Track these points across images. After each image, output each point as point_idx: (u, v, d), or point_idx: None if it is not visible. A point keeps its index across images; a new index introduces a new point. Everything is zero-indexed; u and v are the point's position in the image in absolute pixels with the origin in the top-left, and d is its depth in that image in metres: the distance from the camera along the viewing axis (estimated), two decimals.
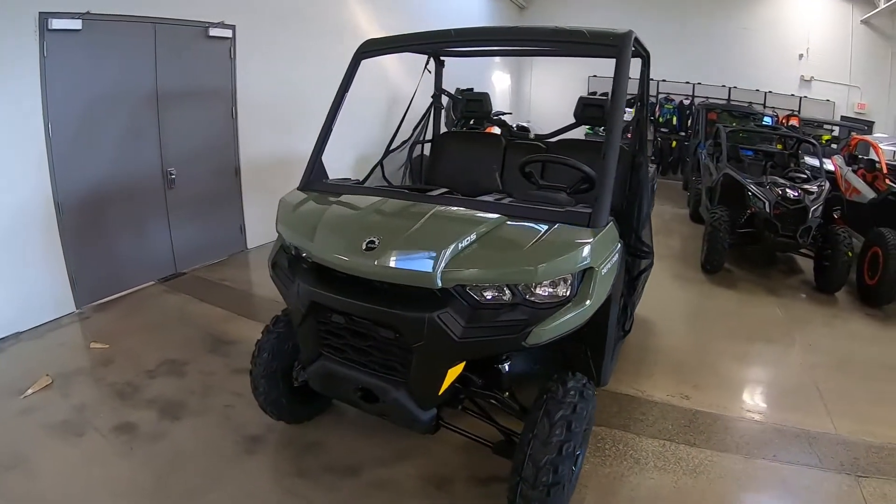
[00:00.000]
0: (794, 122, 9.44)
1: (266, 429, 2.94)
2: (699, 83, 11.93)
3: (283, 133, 6.05)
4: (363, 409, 2.32)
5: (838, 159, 6.73)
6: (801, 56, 11.12)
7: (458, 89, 8.51)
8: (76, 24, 3.63)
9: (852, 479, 2.84)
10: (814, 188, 5.61)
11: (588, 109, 3.52)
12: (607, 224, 2.22)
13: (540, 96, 14.32)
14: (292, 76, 5.99)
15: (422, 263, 2.00)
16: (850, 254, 5.22)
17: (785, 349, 4.45)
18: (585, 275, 2.09)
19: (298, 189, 2.83)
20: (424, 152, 4.13)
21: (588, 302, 2.07)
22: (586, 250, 2.05)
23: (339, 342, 2.25)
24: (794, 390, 3.76)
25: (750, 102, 10.81)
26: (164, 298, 4.57)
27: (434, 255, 2.00)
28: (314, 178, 2.87)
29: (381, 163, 3.66)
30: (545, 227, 2.15)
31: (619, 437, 3.07)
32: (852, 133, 8.34)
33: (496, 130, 7.79)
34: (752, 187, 5.73)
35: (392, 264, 2.02)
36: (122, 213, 4.40)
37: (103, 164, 4.18)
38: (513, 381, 2.48)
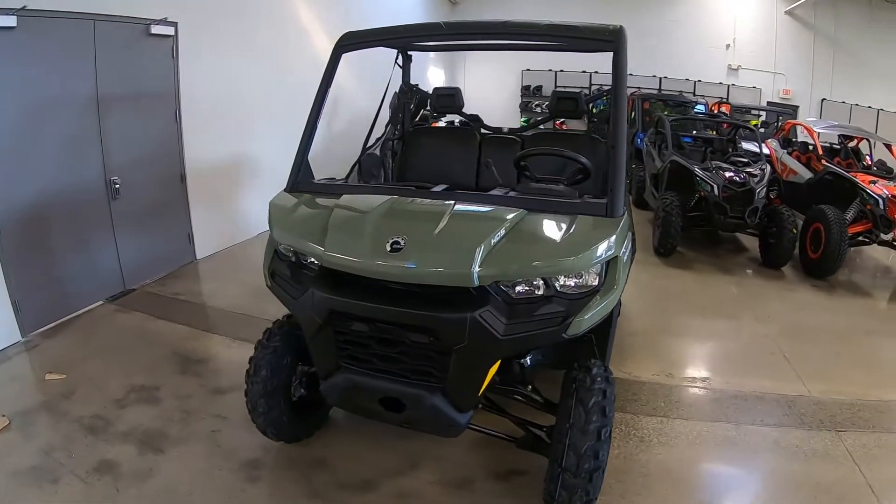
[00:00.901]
0: (725, 108, 10.02)
1: (262, 451, 2.75)
2: (631, 74, 12.34)
3: (229, 135, 5.76)
4: (385, 420, 2.21)
5: (773, 143, 7.20)
6: (728, 46, 11.83)
7: (401, 85, 8.38)
8: (11, 20, 3.23)
9: (833, 434, 3.10)
10: (756, 171, 5.97)
11: (562, 102, 3.60)
12: (623, 213, 2.24)
13: (474, 90, 14.37)
14: (237, 75, 5.69)
15: (457, 262, 1.95)
16: (794, 231, 5.59)
17: (747, 322, 4.71)
18: (610, 263, 2.10)
19: (286, 191, 2.65)
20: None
21: (616, 289, 2.10)
22: (613, 239, 2.07)
23: (362, 352, 2.12)
24: (764, 359, 4.00)
25: (680, 91, 11.38)
26: (117, 318, 4.19)
27: (469, 252, 1.95)
28: (301, 178, 2.70)
29: (359, 162, 3.53)
30: (568, 219, 2.15)
31: (619, 419, 3.12)
32: (780, 118, 8.98)
33: (441, 124, 7.76)
34: (700, 173, 6.01)
35: (425, 265, 1.96)
36: (65, 229, 3.98)
37: (43, 176, 3.76)
38: (533, 374, 2.46)
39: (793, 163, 6.51)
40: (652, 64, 11.44)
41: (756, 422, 3.20)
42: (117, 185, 4.33)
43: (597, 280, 2.06)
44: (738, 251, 6.72)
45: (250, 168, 6.17)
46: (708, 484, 2.73)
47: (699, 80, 11.73)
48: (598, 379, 2.15)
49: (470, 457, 2.76)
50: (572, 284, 2.05)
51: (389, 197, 2.35)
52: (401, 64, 4.03)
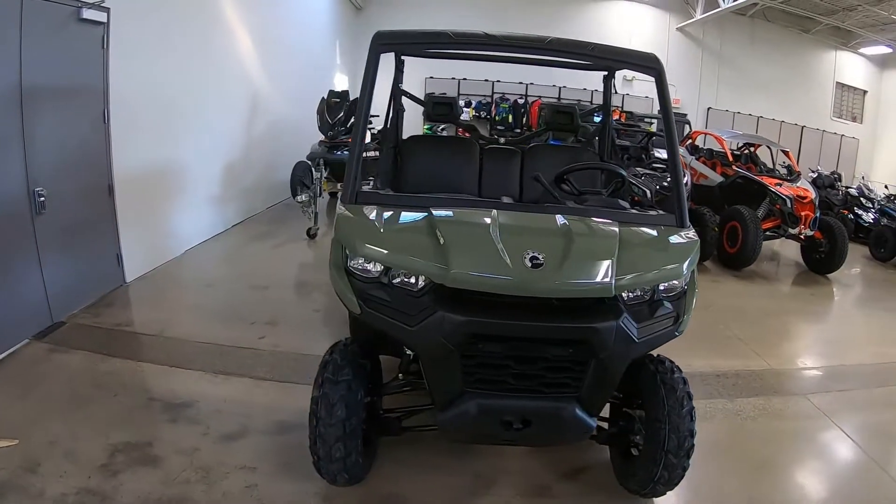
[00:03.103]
0: (621, 117, 10.95)
1: (322, 500, 2.42)
2: (532, 83, 13.07)
3: (159, 141, 5.07)
4: (501, 441, 2.24)
5: (681, 150, 8.02)
6: None
7: (331, 91, 8.02)
8: None
9: (802, 397, 3.70)
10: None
11: (558, 116, 3.79)
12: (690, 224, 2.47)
13: (378, 96, 14.20)
14: (169, 74, 5.02)
15: (600, 274, 2.03)
16: (716, 229, 6.29)
17: (695, 311, 5.19)
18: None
19: (348, 203, 2.37)
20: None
21: (697, 289, 2.31)
22: (698, 247, 2.33)
23: (494, 374, 2.04)
24: (724, 342, 4.52)
25: (579, 100, 12.20)
26: (56, 360, 3.40)
27: (607, 264, 2.04)
28: (358, 189, 2.45)
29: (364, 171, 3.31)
30: (655, 230, 2.38)
31: None
32: (665, 124, 10.05)
33: (366, 139, 7.57)
34: (633, 179, 6.50)
35: (572, 278, 2.01)
36: None
37: None
38: None
39: (702, 168, 7.32)
40: (552, 74, 12.11)
41: (742, 394, 3.67)
42: (42, 198, 3.53)
43: (684, 283, 2.24)
44: None
45: (180, 177, 5.46)
46: (732, 447, 3.10)
47: (596, 90, 12.68)
48: (674, 369, 2.36)
49: (531, 463, 2.76)
50: (662, 288, 2.19)
51: (487, 210, 2.29)
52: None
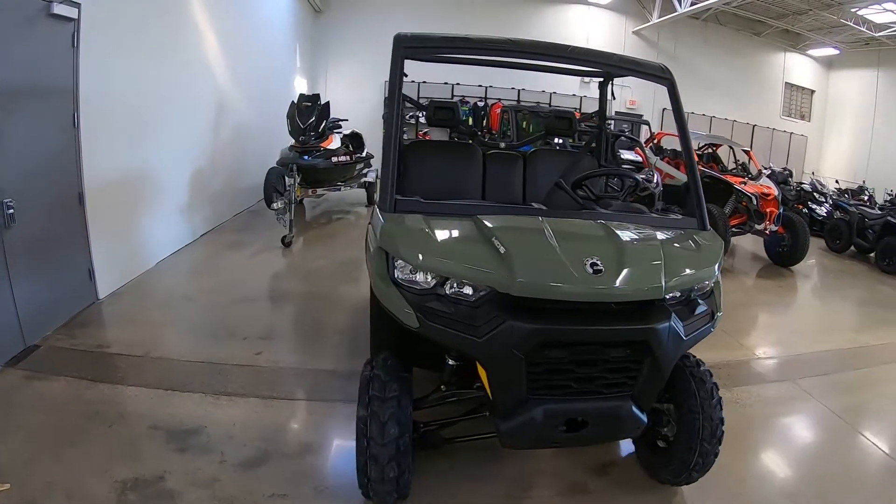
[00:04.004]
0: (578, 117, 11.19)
1: None
2: (491, 86, 13.15)
3: (131, 145, 4.74)
4: (557, 444, 2.35)
5: (646, 150, 8.27)
6: None
7: (302, 95, 7.77)
8: None
9: (791, 383, 3.95)
10: (649, 177, 6.81)
11: (557, 122, 3.87)
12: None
13: (336, 100, 14.00)
14: (145, 74, 4.73)
15: (653, 279, 2.09)
16: None
17: None
18: None
19: (388, 211, 2.32)
20: None
21: (721, 287, 2.41)
22: (723, 248, 2.44)
23: (558, 379, 2.05)
24: (711, 335, 4.62)
25: (538, 102, 12.40)
26: (37, 389, 3.07)
27: (657, 268, 2.11)
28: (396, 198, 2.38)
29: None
30: (684, 234, 2.48)
31: None
32: (630, 125, 10.37)
33: (336, 143, 7.40)
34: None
35: (630, 283, 2.05)
36: None
37: None
38: None
39: (668, 168, 7.58)
40: (511, 77, 12.25)
41: (739, 384, 3.86)
42: (11, 210, 3.19)
43: (713, 282, 2.36)
44: None
45: (149, 184, 5.12)
46: (737, 433, 3.10)
47: (555, 92, 12.95)
48: (699, 362, 2.47)
49: (562, 463, 2.80)
50: (696, 288, 2.28)
51: (533, 217, 2.33)
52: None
